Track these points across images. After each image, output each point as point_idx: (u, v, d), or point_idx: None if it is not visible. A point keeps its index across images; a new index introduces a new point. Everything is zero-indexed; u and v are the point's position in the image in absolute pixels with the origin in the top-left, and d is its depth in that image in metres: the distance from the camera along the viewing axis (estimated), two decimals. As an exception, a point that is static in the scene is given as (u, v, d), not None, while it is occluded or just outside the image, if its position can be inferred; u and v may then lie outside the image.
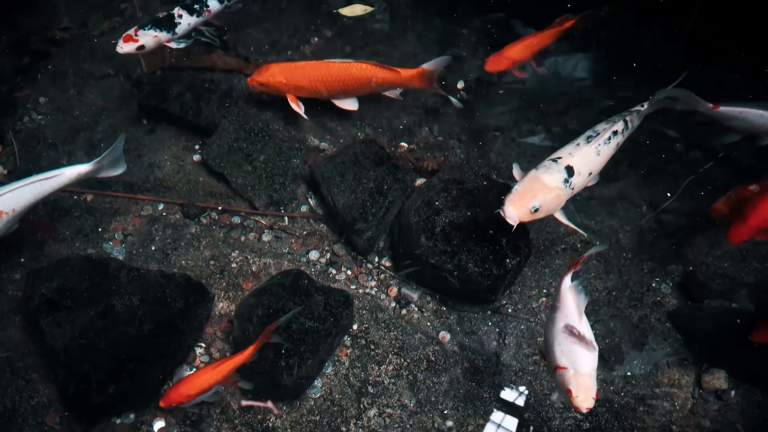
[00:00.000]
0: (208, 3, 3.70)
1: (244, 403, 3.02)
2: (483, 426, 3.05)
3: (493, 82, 4.18)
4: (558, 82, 4.22)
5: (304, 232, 3.60)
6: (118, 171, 3.28)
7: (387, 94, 3.88)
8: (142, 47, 3.42)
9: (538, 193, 3.01)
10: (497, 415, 3.09)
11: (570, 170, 3.09)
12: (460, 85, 4.22)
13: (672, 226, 3.73)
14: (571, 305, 2.63)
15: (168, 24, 3.51)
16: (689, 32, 3.95)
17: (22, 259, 3.29)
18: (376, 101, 4.11)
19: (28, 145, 3.70)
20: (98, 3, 4.33)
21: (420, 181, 3.76)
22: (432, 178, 3.59)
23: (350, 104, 3.80)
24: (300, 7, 4.47)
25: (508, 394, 3.15)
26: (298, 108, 3.67)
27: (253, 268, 3.41)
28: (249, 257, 3.44)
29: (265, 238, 3.55)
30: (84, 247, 3.37)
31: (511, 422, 3.08)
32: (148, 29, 3.43)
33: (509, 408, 3.11)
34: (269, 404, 3.05)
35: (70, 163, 3.63)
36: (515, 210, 2.96)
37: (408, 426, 3.01)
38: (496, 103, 4.17)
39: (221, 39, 4.16)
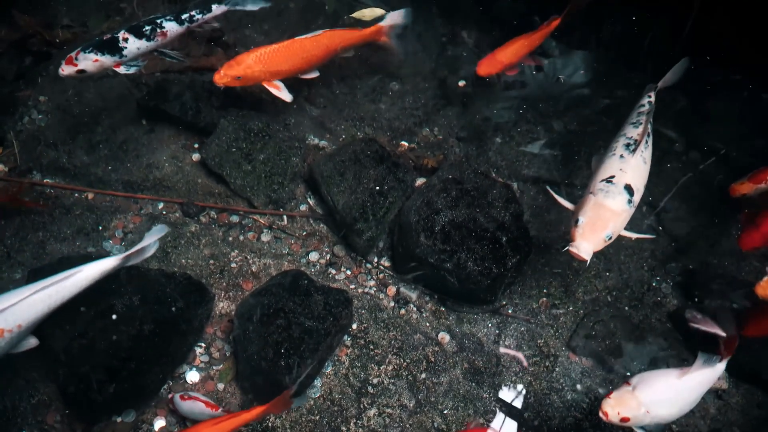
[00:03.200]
0: (164, 25, 3.40)
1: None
2: (482, 426, 3.04)
3: (493, 82, 4.18)
4: (557, 82, 4.22)
5: (304, 233, 3.60)
6: (146, 255, 2.93)
7: (342, 54, 3.85)
8: (82, 71, 3.20)
9: (608, 222, 2.83)
10: (496, 416, 3.09)
11: (629, 189, 2.95)
12: (461, 83, 4.22)
13: (672, 225, 3.73)
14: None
15: (111, 47, 3.25)
16: (689, 31, 3.95)
17: (23, 258, 3.29)
18: (376, 101, 4.11)
19: (29, 145, 3.71)
20: (98, 3, 4.33)
21: (420, 181, 3.76)
22: (432, 178, 3.59)
23: (312, 73, 3.71)
24: (299, 8, 4.47)
25: (507, 395, 3.15)
26: (281, 92, 3.56)
27: (253, 268, 3.41)
28: (249, 257, 3.44)
29: (265, 238, 3.55)
30: (84, 245, 3.37)
31: (511, 422, 3.08)
32: (89, 52, 3.19)
33: (509, 408, 3.11)
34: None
35: (70, 161, 3.65)
36: (590, 244, 2.79)
37: (407, 426, 3.02)
38: (496, 102, 4.16)
39: (220, 40, 4.16)
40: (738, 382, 3.26)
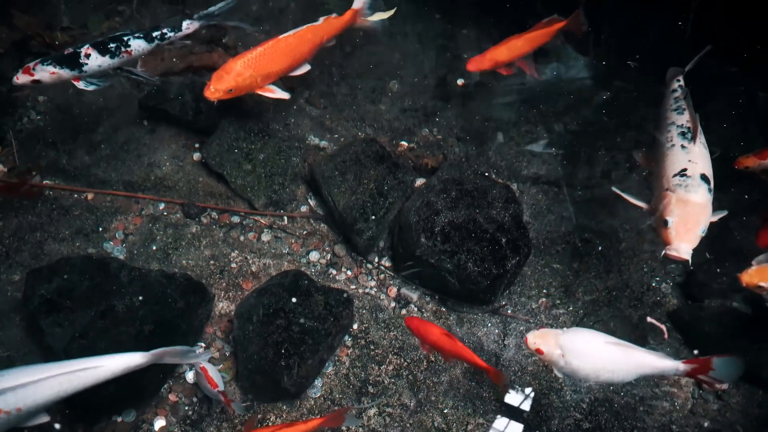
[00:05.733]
0: (130, 43, 3.29)
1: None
2: (482, 425, 3.05)
3: (492, 82, 4.18)
4: (558, 82, 4.22)
5: (304, 232, 3.60)
6: (187, 360, 2.73)
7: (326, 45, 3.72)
8: (37, 81, 3.15)
9: (699, 217, 2.78)
10: (496, 416, 3.09)
11: (705, 178, 2.90)
12: (460, 82, 4.22)
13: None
14: None
15: (72, 62, 3.18)
16: (689, 31, 3.96)
17: (21, 259, 3.29)
18: (377, 101, 4.11)
19: (28, 145, 3.70)
20: (98, 3, 4.33)
21: (420, 182, 3.76)
22: (431, 178, 3.59)
23: (304, 68, 3.58)
24: (300, 7, 4.47)
25: (507, 395, 3.15)
26: (276, 93, 3.44)
27: (253, 268, 3.41)
28: (249, 257, 3.44)
29: (265, 238, 3.55)
30: (84, 246, 3.37)
31: (511, 423, 3.08)
32: (47, 65, 3.14)
33: (509, 408, 3.11)
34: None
35: (69, 161, 3.64)
36: (688, 243, 2.72)
37: (408, 425, 3.02)
38: (496, 102, 4.17)
39: (221, 40, 4.15)
40: (738, 382, 3.26)
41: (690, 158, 2.97)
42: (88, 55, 3.21)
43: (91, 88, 3.28)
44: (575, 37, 4.01)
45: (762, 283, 2.74)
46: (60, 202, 3.51)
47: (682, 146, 3.03)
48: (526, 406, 3.13)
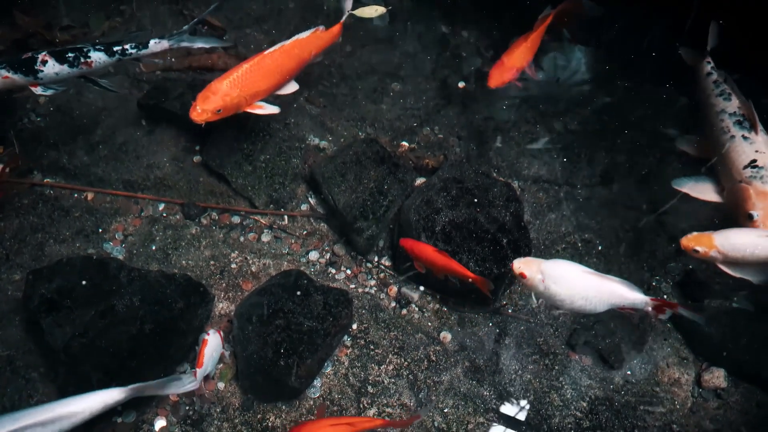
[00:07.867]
0: (90, 54, 3.22)
1: None
2: (483, 425, 3.05)
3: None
4: (558, 82, 4.22)
5: (304, 232, 3.61)
6: (178, 389, 2.72)
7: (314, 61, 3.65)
8: None
9: None
10: (497, 415, 3.09)
11: None
12: (461, 84, 4.22)
13: (672, 225, 3.73)
14: None
15: (27, 67, 3.14)
16: (689, 32, 3.95)
17: (22, 260, 3.29)
18: (377, 102, 4.11)
19: (29, 145, 3.70)
20: (99, 3, 4.33)
21: (420, 181, 3.76)
22: (432, 177, 3.59)
23: (291, 87, 3.47)
24: (300, 7, 4.47)
25: (509, 410, 3.14)
26: (266, 109, 3.31)
27: (253, 269, 3.41)
28: (249, 258, 3.45)
29: (265, 238, 3.56)
30: (84, 247, 3.37)
31: (511, 422, 3.08)
32: (1, 68, 3.11)
33: (509, 407, 3.11)
34: None
35: (70, 161, 3.64)
36: None
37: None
38: (496, 102, 4.17)
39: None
40: (737, 381, 3.26)
41: (756, 149, 2.98)
42: (45, 62, 3.16)
43: (48, 92, 3.25)
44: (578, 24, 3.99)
45: (698, 248, 2.76)
46: (60, 202, 3.51)
47: (744, 137, 3.02)
48: (526, 405, 3.13)
